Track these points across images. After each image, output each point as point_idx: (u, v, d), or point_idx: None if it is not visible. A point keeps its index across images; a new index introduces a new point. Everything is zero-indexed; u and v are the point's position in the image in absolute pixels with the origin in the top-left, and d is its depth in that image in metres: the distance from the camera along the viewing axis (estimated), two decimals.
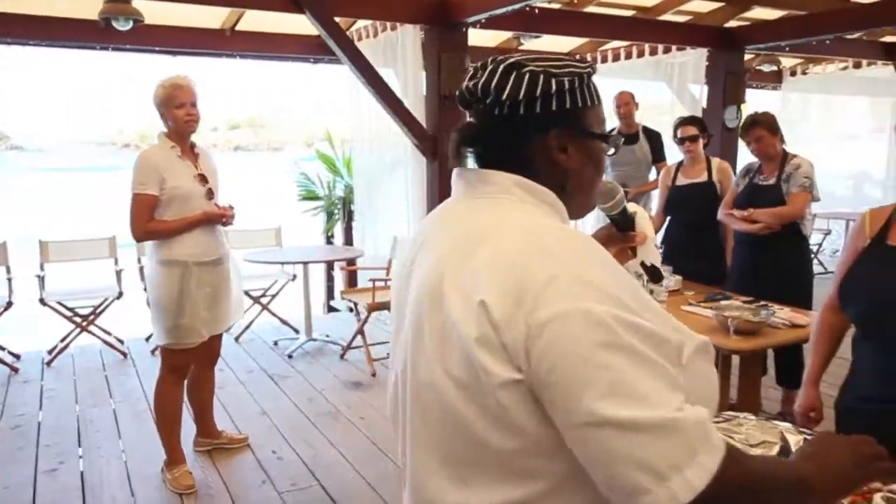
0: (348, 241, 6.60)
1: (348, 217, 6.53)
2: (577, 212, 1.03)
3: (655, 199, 4.58)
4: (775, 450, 1.58)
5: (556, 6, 5.68)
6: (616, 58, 6.78)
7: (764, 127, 3.58)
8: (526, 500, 0.86)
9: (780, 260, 3.70)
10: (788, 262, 3.71)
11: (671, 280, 3.54)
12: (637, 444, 0.76)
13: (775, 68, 8.26)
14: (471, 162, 1.03)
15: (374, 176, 5.77)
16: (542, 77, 0.94)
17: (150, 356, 5.01)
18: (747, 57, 7.77)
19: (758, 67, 7.93)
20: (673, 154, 4.37)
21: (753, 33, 5.92)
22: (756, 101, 9.68)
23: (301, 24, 4.80)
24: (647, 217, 1.47)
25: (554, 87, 0.93)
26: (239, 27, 5.27)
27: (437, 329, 0.88)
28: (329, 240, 6.94)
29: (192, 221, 3.01)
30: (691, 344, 0.88)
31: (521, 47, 6.52)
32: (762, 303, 3.15)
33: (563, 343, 0.78)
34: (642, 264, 1.42)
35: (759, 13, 6.22)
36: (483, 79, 0.96)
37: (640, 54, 6.53)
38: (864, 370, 1.83)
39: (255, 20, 5.15)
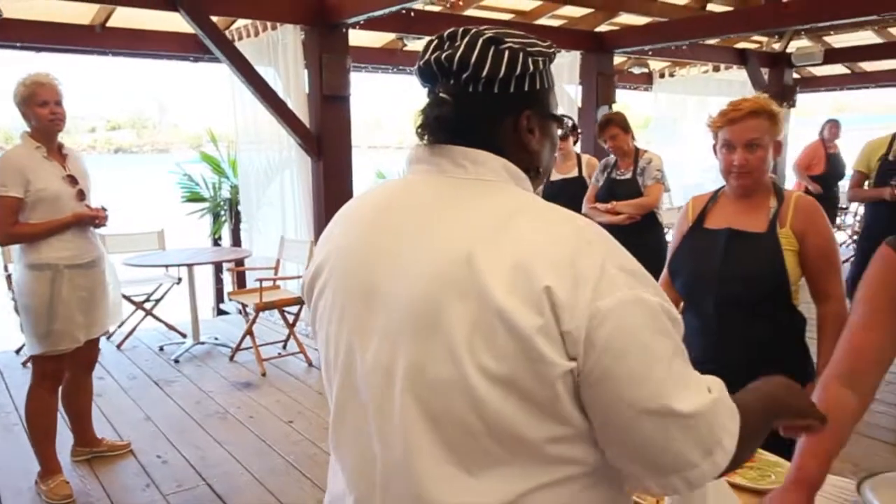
0: (236, 242, 6.50)
1: (235, 218, 6.44)
2: None
3: None
4: None
5: (435, 9, 5.86)
6: None
7: (617, 125, 3.88)
8: (548, 484, 0.86)
9: (643, 245, 4.02)
10: (649, 246, 4.05)
11: None
12: (690, 428, 0.81)
13: (646, 70, 8.84)
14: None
15: (260, 176, 5.73)
16: (521, 55, 0.90)
17: (21, 368, 4.75)
18: (621, 60, 8.32)
19: (630, 70, 8.46)
20: None
21: (621, 38, 6.35)
22: (631, 100, 10.34)
23: (179, 22, 4.71)
24: None
25: (531, 66, 0.91)
26: (110, 23, 5.08)
27: (470, 323, 0.81)
28: (217, 242, 6.80)
29: (61, 224, 2.93)
30: None
31: (405, 48, 6.68)
32: None
33: (625, 332, 0.79)
34: None
35: (628, 19, 6.67)
36: (460, 52, 0.90)
37: None
38: (689, 337, 2.07)
39: (129, 16, 4.99)
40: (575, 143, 4.46)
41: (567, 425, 0.83)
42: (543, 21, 6.53)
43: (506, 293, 0.79)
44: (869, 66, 8.94)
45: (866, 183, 4.30)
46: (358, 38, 5.74)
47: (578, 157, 4.44)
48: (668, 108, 9.14)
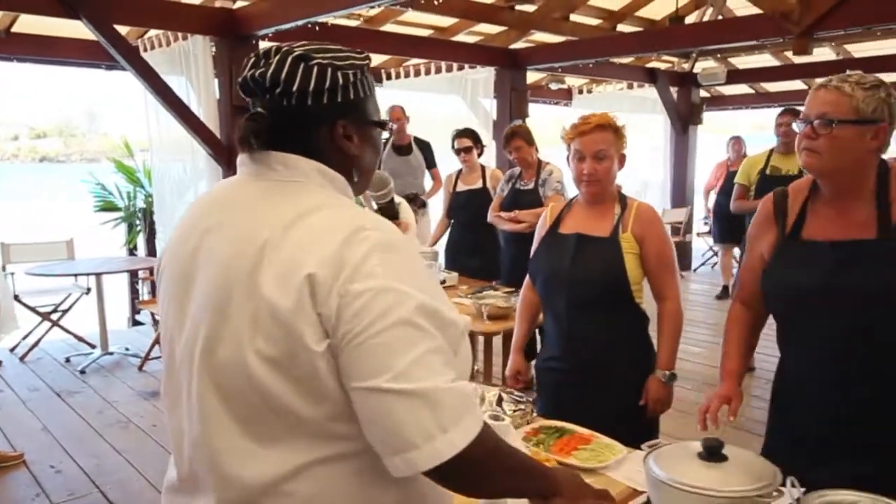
0: (151, 252, 6.42)
1: (150, 228, 6.36)
2: (357, 194, 1.11)
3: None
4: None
5: (352, 23, 5.98)
6: (417, 73, 7.21)
7: (522, 138, 4.04)
8: (331, 457, 0.94)
9: None
10: None
11: (445, 277, 3.95)
12: (412, 408, 0.86)
13: (564, 86, 9.18)
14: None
15: (175, 185, 5.70)
16: (329, 70, 0.98)
17: None
18: (540, 76, 8.61)
19: (548, 85, 8.78)
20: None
21: (534, 55, 6.60)
22: (553, 115, 10.66)
23: (87, 29, 4.67)
24: (410, 209, 1.67)
25: (340, 79, 0.98)
26: (15, 29, 4.99)
27: (250, 311, 0.90)
28: (132, 251, 6.70)
29: None
30: (463, 325, 1.03)
31: None
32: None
33: (369, 314, 0.86)
34: None
35: (543, 37, 6.94)
36: (272, 69, 0.97)
37: (438, 70, 7.01)
38: (548, 336, 2.25)
39: (34, 23, 4.91)
40: (479, 155, 4.62)
41: (332, 402, 0.92)
42: (460, 37, 6.73)
43: (274, 283, 0.89)
44: (771, 86, 9.52)
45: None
46: None
47: (483, 169, 4.60)
48: None
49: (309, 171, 1.00)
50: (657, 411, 2.10)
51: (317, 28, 4.33)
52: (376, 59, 7.35)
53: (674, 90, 8.71)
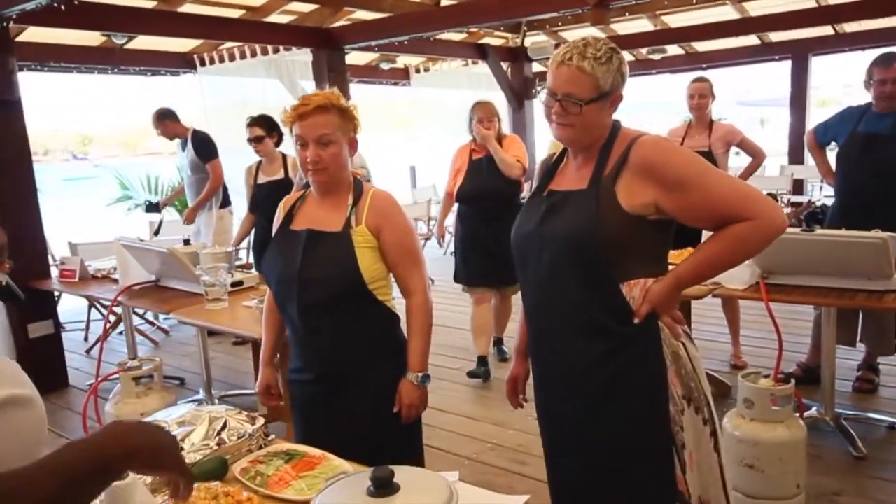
0: None
1: None
2: None
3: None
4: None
5: (147, 5, 5.43)
6: (232, 57, 6.73)
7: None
8: None
9: None
10: None
11: (241, 278, 3.61)
12: None
13: (399, 66, 8.95)
14: None
15: None
16: None
17: None
18: (371, 57, 8.32)
19: (381, 65, 8.51)
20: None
21: (348, 33, 6.28)
22: (387, 97, 10.43)
23: None
24: None
25: None
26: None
27: None
28: None
29: None
30: None
31: (124, 47, 6.15)
32: None
33: None
34: None
35: (365, 15, 6.62)
36: None
37: (254, 54, 6.56)
38: (291, 344, 2.00)
39: None
40: (277, 144, 4.28)
41: None
42: (274, 17, 6.30)
43: None
44: None
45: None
46: (57, 36, 5.25)
47: (284, 158, 4.28)
48: (420, 103, 9.31)
49: None
50: (410, 416, 1.91)
51: (62, 7, 3.75)
52: (187, 44, 6.78)
53: (507, 66, 8.70)
